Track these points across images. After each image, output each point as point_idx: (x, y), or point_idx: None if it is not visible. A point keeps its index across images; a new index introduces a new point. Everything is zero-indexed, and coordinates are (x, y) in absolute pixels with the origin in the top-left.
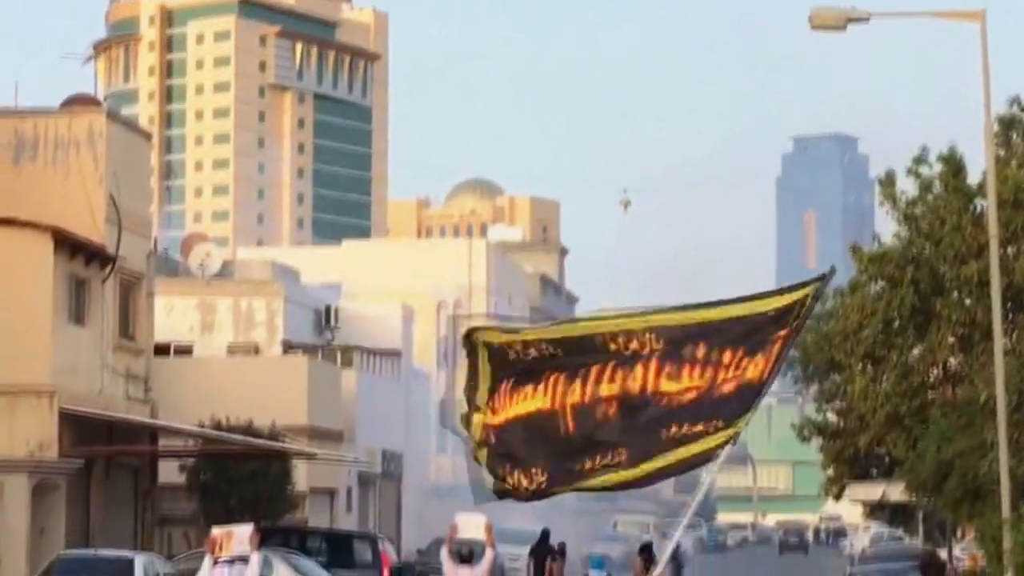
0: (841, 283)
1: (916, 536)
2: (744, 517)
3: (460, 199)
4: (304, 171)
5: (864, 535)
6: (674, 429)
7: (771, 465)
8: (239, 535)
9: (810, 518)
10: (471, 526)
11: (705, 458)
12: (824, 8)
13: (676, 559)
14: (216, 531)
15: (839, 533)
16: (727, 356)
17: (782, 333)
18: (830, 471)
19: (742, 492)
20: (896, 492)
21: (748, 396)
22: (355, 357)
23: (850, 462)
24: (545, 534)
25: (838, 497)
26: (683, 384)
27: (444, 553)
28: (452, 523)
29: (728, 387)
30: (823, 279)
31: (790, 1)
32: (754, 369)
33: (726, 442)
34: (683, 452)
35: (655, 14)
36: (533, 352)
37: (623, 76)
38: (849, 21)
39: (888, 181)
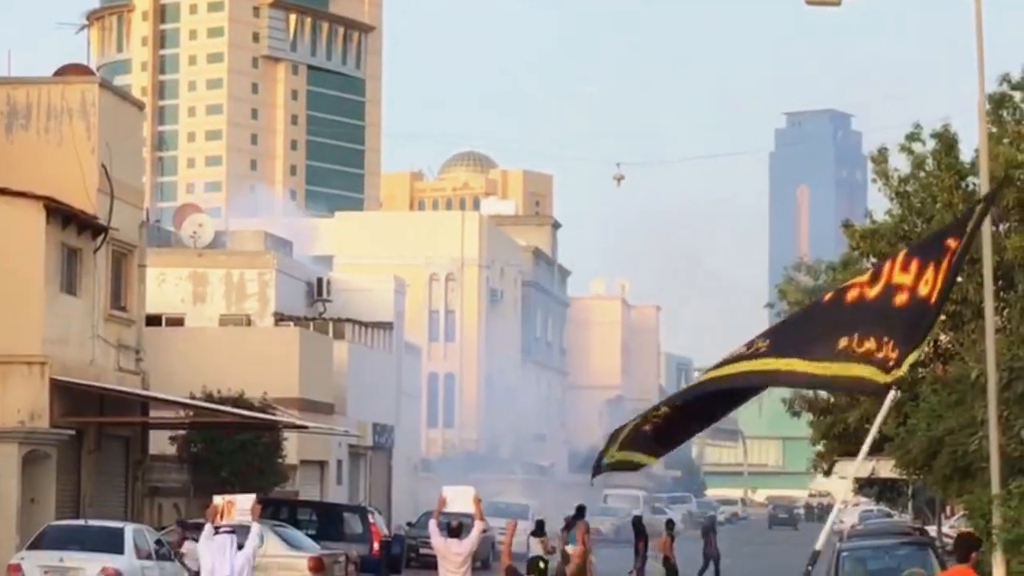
0: (833, 259)
1: (905, 513)
2: (734, 492)
3: (453, 172)
4: (297, 143)
5: (854, 511)
6: (843, 342)
7: (761, 441)
8: (241, 504)
9: (800, 494)
10: (459, 499)
11: (858, 387)
12: None
13: (671, 534)
14: (218, 499)
15: (830, 509)
16: (901, 256)
17: (952, 243)
18: (820, 447)
19: (732, 467)
20: (886, 469)
21: (920, 319)
22: (347, 329)
23: (840, 438)
24: (580, 510)
25: (828, 473)
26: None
27: (432, 526)
28: (440, 496)
29: (901, 298)
30: (990, 198)
31: None
32: (925, 286)
33: (886, 388)
34: (838, 368)
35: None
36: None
37: (618, 50)
38: None
39: (880, 157)
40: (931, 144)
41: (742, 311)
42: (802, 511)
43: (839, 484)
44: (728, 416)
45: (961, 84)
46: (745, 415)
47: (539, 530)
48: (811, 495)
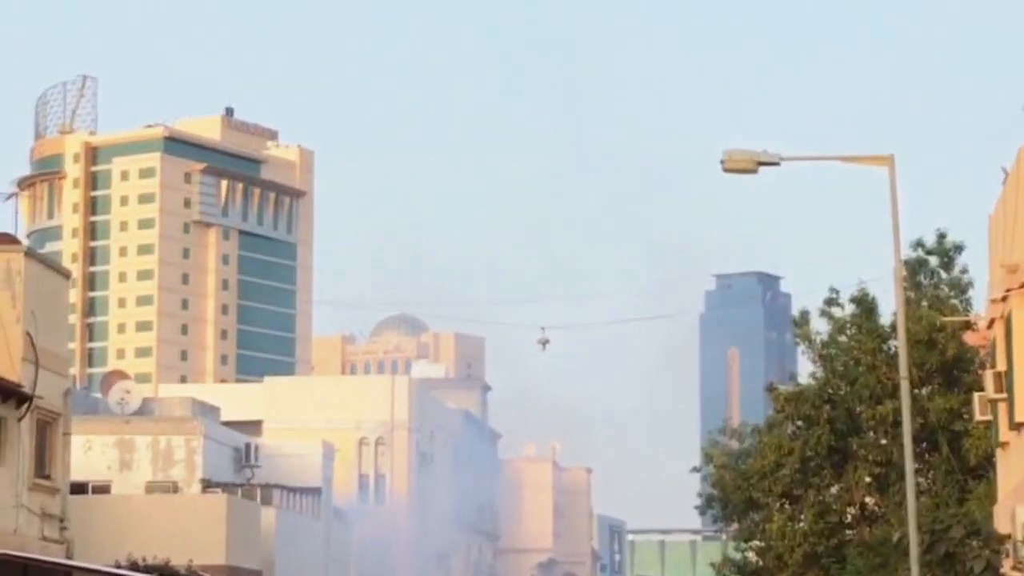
0: (758, 422)
1: None
2: None
3: (385, 335)
4: (228, 307)
5: None
6: None
7: None
8: None
9: None
10: None
11: None
12: (736, 151)
13: None
14: None
15: None
16: None
17: None
18: None
19: None
20: None
21: None
22: (275, 495)
23: None
24: None
25: None
26: None
27: None
28: None
29: None
30: None
31: (705, 143)
32: None
33: None
34: None
35: (581, 162)
36: None
37: (548, 216)
38: (760, 164)
39: (802, 321)
40: (850, 308)
41: (675, 474)
42: None
43: None
44: None
45: (881, 248)
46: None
47: None
48: None
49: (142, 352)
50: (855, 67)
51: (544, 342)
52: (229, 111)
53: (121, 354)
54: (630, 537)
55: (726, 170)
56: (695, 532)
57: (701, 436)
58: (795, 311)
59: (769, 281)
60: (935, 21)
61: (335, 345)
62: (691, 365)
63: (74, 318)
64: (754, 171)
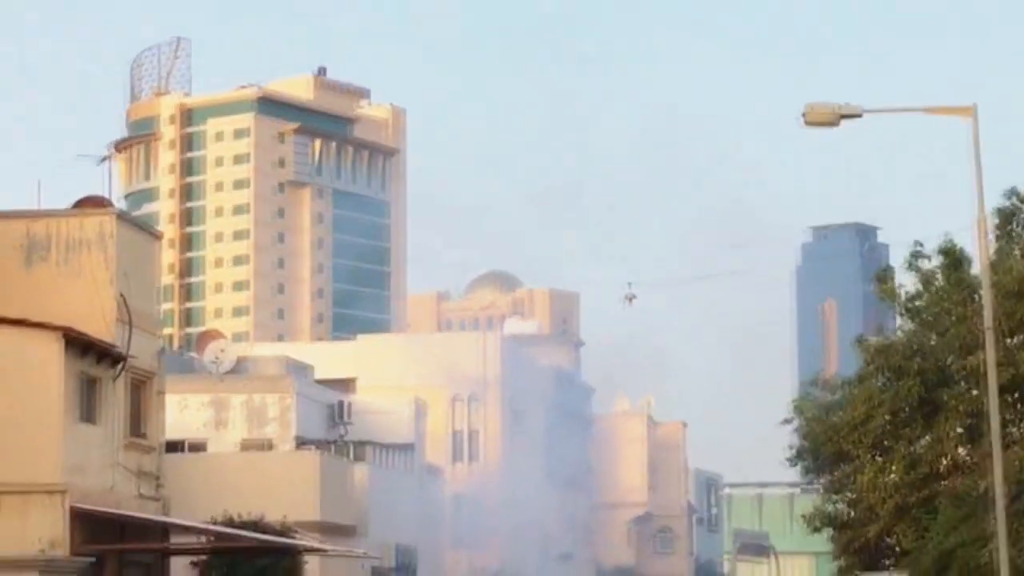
0: (848, 374)
1: None
2: None
3: (479, 292)
4: (323, 266)
5: None
6: None
7: (792, 556)
8: None
9: None
10: None
11: None
12: (817, 104)
13: None
14: None
15: None
16: None
17: None
18: (841, 562)
19: None
20: None
21: None
22: (367, 452)
23: (859, 552)
24: None
25: None
26: None
27: None
28: None
29: None
30: None
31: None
32: None
33: None
34: None
35: (672, 110)
36: None
37: (642, 171)
38: (842, 117)
39: (884, 277)
40: (938, 260)
41: (772, 427)
42: None
43: None
44: (759, 531)
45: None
46: (776, 530)
47: None
48: None
49: (239, 311)
50: (939, 19)
51: (631, 297)
52: (321, 71)
53: (218, 314)
54: (727, 491)
55: (807, 123)
56: (793, 485)
57: (797, 389)
58: (893, 262)
59: (866, 232)
60: None
61: (430, 303)
62: (786, 318)
63: (171, 279)
64: (836, 124)
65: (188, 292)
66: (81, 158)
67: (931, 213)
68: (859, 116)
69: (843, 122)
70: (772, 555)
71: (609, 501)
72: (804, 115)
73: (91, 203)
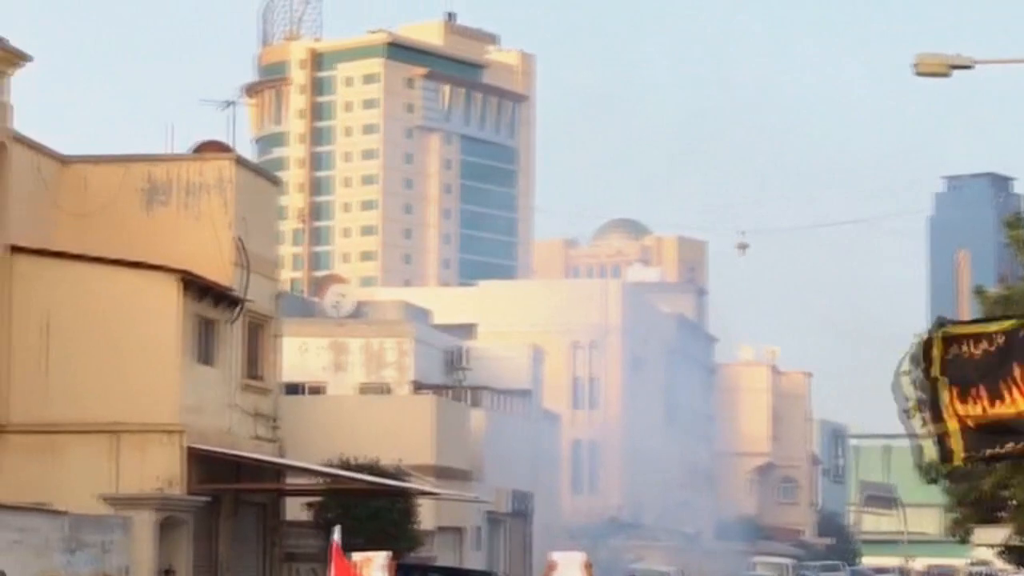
0: None
1: None
2: (890, 561)
3: (607, 239)
4: (451, 212)
5: None
6: None
7: (920, 508)
8: (377, 562)
9: (960, 563)
10: (569, 564)
11: None
12: (928, 55)
13: None
14: (356, 556)
15: None
16: None
17: None
18: (956, 514)
19: (890, 535)
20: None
21: None
22: (484, 397)
23: (975, 505)
24: None
25: (964, 540)
26: None
27: None
28: (549, 561)
29: None
30: None
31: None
32: None
33: None
34: None
35: (806, 60)
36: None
37: (769, 119)
38: (953, 68)
39: (1014, 223)
40: None
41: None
42: None
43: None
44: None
45: None
46: (903, 482)
47: None
48: (971, 564)
49: (366, 256)
50: None
51: (743, 246)
52: (450, 16)
53: (346, 258)
54: (853, 442)
55: (918, 74)
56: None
57: None
58: None
59: (1001, 182)
60: None
61: (557, 249)
62: (919, 268)
63: (293, 224)
64: (947, 75)
65: (317, 236)
66: (204, 103)
67: None
68: (970, 67)
69: (975, 71)
70: (899, 507)
71: (732, 450)
72: (915, 65)
73: (211, 148)
